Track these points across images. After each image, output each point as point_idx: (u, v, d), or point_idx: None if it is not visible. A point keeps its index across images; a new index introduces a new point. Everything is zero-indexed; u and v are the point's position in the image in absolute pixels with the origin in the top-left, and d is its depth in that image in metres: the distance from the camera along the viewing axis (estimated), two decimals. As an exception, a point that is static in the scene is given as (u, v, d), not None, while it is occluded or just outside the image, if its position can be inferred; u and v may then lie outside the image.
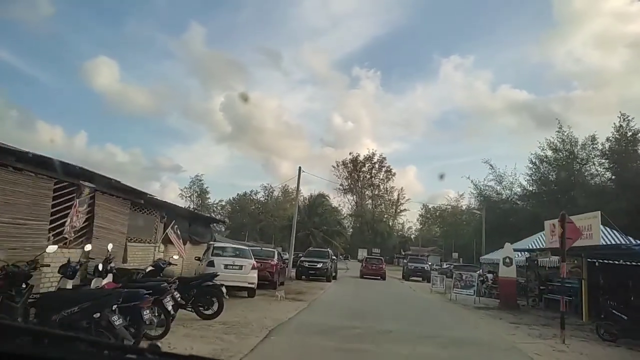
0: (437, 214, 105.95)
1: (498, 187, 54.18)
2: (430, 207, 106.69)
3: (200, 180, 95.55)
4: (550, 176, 49.00)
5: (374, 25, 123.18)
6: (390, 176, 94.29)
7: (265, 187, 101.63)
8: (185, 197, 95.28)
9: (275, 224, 75.68)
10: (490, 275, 23.05)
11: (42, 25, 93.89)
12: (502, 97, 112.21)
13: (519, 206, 51.83)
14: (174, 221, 16.10)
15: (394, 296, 20.34)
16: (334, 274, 27.11)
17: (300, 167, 26.49)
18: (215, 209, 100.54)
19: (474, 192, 55.35)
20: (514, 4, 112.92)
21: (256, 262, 17.64)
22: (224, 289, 10.00)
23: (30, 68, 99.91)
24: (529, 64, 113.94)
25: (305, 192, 58.58)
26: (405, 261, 36.54)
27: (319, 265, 25.06)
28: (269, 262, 18.13)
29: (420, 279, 34.12)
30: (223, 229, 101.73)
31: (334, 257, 27.46)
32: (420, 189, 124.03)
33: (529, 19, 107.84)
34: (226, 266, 13.82)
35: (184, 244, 17.81)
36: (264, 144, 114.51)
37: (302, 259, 26.40)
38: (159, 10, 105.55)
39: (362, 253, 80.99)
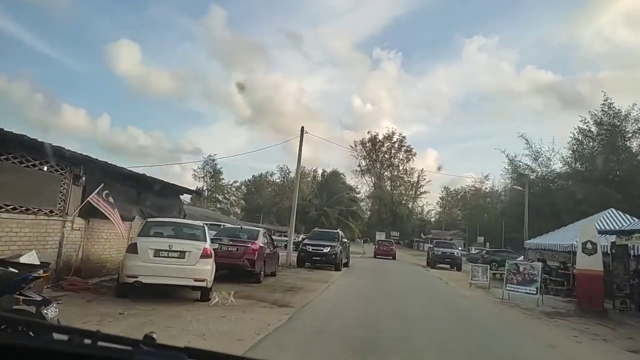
0: (459, 196, 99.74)
1: (534, 164, 47.57)
2: (451, 189, 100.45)
3: (214, 161, 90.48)
4: (594, 152, 42.54)
5: (395, 4, 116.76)
6: (410, 156, 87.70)
7: (281, 168, 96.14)
8: (198, 177, 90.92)
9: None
10: (552, 265, 17.06)
11: (65, 9, 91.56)
12: (527, 78, 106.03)
13: (558, 185, 45.25)
14: (102, 185, 10.62)
15: (425, 295, 14.54)
16: (345, 261, 21.48)
17: (302, 127, 20.83)
18: (229, 190, 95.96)
19: (508, 167, 48.63)
20: None
21: (230, 244, 12.19)
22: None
23: (54, 51, 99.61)
24: (555, 44, 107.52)
25: (320, 170, 53.16)
26: (430, 246, 30.62)
27: (326, 250, 19.46)
28: (248, 245, 12.59)
29: (448, 266, 28.30)
30: (239, 211, 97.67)
31: (345, 240, 21.74)
32: (440, 173, 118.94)
33: None
34: (157, 253, 8.28)
35: (129, 220, 12.37)
36: (283, 126, 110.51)
37: (306, 241, 20.83)
38: None
39: (380, 236, 75.40)
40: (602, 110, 41.58)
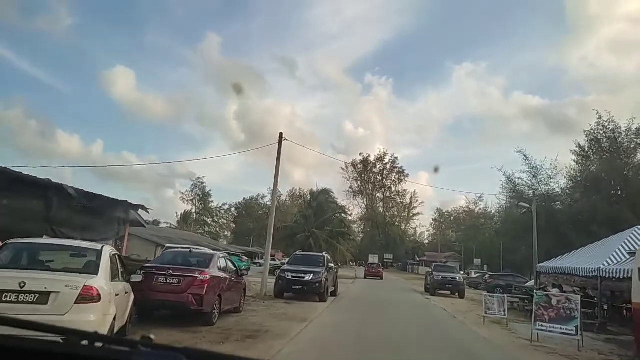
0: (452, 218, 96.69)
1: (533, 182, 44.60)
2: (444, 211, 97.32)
3: (202, 183, 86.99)
4: (597, 171, 39.90)
5: (385, 30, 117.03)
6: (402, 177, 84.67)
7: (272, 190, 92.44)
8: (187, 200, 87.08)
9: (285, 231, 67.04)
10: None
11: (61, 36, 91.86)
12: (516, 103, 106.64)
13: (562, 204, 42.21)
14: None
15: (433, 340, 11.02)
16: (332, 289, 17.97)
17: (281, 133, 17.63)
18: (218, 213, 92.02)
19: (506, 185, 45.57)
20: (527, 10, 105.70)
21: (170, 274, 8.77)
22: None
23: (49, 78, 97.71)
24: (542, 70, 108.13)
25: (307, 189, 50.05)
26: (429, 270, 27.12)
27: (309, 277, 15.94)
28: (195, 275, 9.13)
29: (449, 292, 24.79)
30: (228, 235, 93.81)
31: (332, 265, 18.21)
32: (432, 195, 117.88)
33: (542, 25, 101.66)
34: (3, 295, 4.86)
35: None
36: (277, 150, 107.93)
37: (285, 267, 17.31)
38: (175, 21, 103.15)
39: (374, 259, 71.70)
40: (600, 127, 39.11)
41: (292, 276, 16.07)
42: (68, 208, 10.03)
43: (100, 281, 5.57)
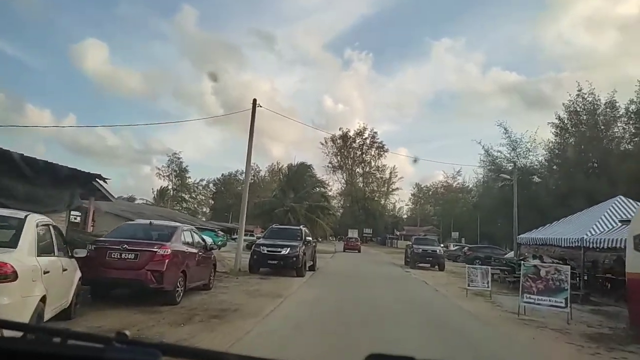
0: (430, 192, 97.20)
1: (512, 154, 44.47)
2: (423, 186, 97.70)
3: (179, 159, 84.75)
4: (575, 144, 39.91)
5: (364, 5, 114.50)
6: (382, 152, 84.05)
7: (251, 166, 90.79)
8: (163, 176, 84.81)
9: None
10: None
11: (29, 6, 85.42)
12: (493, 79, 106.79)
13: (540, 177, 42.30)
14: None
15: (416, 314, 10.34)
16: (310, 264, 17.20)
17: (255, 100, 16.43)
18: (196, 189, 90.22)
19: (485, 159, 45.35)
20: None
21: (125, 249, 7.77)
22: None
23: (18, 51, 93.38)
24: (520, 46, 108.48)
25: (287, 164, 48.92)
26: (409, 243, 26.66)
27: (285, 252, 15.09)
28: (154, 250, 8.12)
29: (428, 265, 24.42)
30: (207, 211, 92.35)
31: (310, 239, 17.37)
32: (412, 171, 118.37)
33: (519, 1, 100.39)
34: None
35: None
36: (256, 126, 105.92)
37: (260, 241, 16.42)
38: None
39: (353, 234, 71.62)
40: (580, 99, 38.89)
41: (267, 250, 15.19)
42: (9, 175, 8.80)
43: (20, 256, 4.51)
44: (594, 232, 15.33)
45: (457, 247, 39.92)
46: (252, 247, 15.83)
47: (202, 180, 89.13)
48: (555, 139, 40.81)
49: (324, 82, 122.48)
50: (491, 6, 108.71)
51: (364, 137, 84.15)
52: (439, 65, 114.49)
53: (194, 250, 9.65)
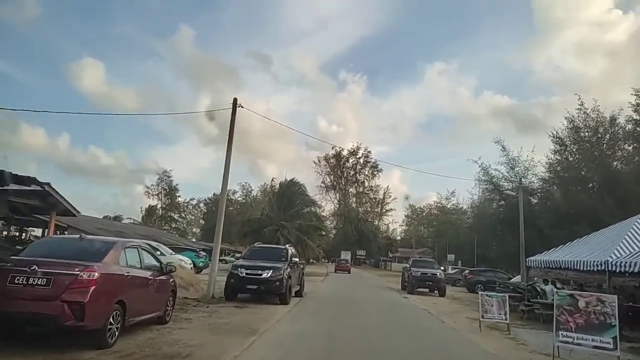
0: (424, 214, 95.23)
1: (510, 174, 42.72)
2: (417, 207, 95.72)
3: (169, 177, 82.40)
4: (575, 161, 38.26)
5: (359, 28, 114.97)
6: (375, 172, 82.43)
7: (243, 186, 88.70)
8: (152, 195, 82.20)
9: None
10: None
11: (27, 26, 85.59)
12: (485, 102, 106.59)
13: (539, 197, 40.48)
14: None
15: (429, 358, 8.10)
16: (296, 289, 14.95)
17: (235, 99, 14.43)
18: (186, 208, 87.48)
19: (483, 178, 43.52)
20: (496, 13, 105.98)
21: (35, 272, 5.51)
22: None
23: (12, 69, 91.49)
24: (511, 71, 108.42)
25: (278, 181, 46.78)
26: (406, 266, 24.38)
27: (266, 274, 12.82)
28: (76, 273, 5.90)
29: (427, 290, 22.14)
30: (197, 231, 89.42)
31: (297, 260, 15.05)
32: (405, 192, 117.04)
33: (510, 27, 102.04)
34: None
35: None
36: (251, 146, 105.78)
37: (238, 262, 14.15)
38: (148, 13, 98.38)
39: (346, 255, 69.15)
40: (582, 114, 37.42)
41: (246, 273, 12.92)
42: None
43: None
44: (619, 255, 13.26)
45: (456, 270, 37.58)
46: (229, 270, 13.56)
47: (192, 199, 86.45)
48: (554, 156, 39.17)
49: (319, 103, 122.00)
50: (483, 32, 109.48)
51: (357, 157, 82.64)
52: (432, 88, 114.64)
53: (142, 274, 7.42)
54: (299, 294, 15.66)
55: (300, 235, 34.49)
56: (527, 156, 40.54)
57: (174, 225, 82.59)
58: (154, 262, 8.25)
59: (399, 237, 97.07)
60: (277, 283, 12.83)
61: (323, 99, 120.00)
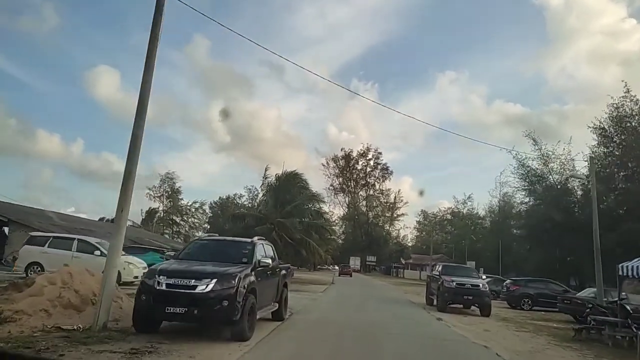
0: (437, 219, 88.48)
1: (544, 170, 36.16)
2: (430, 212, 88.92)
3: (172, 179, 76.87)
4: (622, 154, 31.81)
5: (370, 36, 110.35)
6: (387, 174, 76.06)
7: (249, 189, 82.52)
8: (154, 197, 76.60)
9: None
10: None
11: (44, 35, 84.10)
12: (497, 110, 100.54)
13: (581, 196, 33.81)
14: None
15: None
16: (270, 308, 8.81)
17: None
18: (188, 212, 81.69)
19: (519, 172, 37.06)
20: (508, 22, 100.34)
21: None
22: None
23: (29, 76, 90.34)
24: (523, 79, 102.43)
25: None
26: (434, 273, 17.85)
27: (204, 287, 6.72)
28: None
29: (461, 305, 15.87)
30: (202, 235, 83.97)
31: (268, 262, 8.72)
32: (416, 200, 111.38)
33: (522, 36, 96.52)
34: None
35: None
36: (262, 153, 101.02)
37: (162, 265, 7.97)
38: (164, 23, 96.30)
39: (355, 261, 62.80)
40: (628, 101, 30.98)
41: (167, 285, 6.82)
42: None
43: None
44: None
45: (488, 279, 30.85)
46: (141, 281, 7.47)
47: (195, 202, 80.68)
48: (598, 149, 32.55)
49: (330, 110, 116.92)
50: (495, 41, 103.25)
51: (367, 159, 76.38)
52: (443, 96, 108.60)
53: None
54: (278, 316, 9.52)
55: (304, 237, 28.41)
56: (564, 149, 33.97)
57: (175, 228, 76.95)
58: None
59: (410, 244, 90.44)
60: (225, 303, 6.69)
61: (334, 106, 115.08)
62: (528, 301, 19.67)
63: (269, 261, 8.26)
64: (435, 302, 16.51)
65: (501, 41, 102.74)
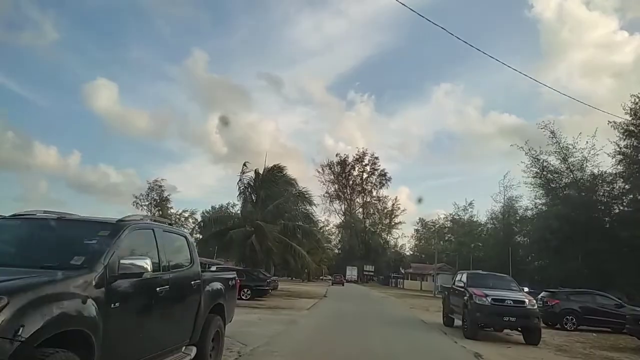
0: (436, 226, 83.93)
1: (562, 166, 31.69)
2: (427, 220, 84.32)
3: (160, 187, 72.12)
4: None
5: (366, 48, 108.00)
6: (384, 181, 71.52)
7: (245, 198, 77.44)
8: (141, 205, 71.65)
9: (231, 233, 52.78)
10: None
11: (43, 48, 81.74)
12: (493, 122, 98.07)
13: (609, 192, 29.29)
14: None
15: None
16: (178, 353, 4.11)
17: None
18: (177, 220, 76.63)
19: (533, 168, 32.64)
20: (502, 35, 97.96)
21: None
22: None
23: (25, 89, 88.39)
24: (518, 91, 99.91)
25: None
26: (456, 285, 13.18)
27: None
28: None
29: (490, 328, 11.23)
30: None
31: (198, 269, 4.04)
32: (413, 210, 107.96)
33: (517, 49, 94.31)
34: None
35: None
36: (259, 164, 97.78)
37: None
38: (160, 36, 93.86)
39: (352, 271, 57.91)
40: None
41: None
42: None
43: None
44: None
45: (517, 288, 26.09)
46: None
47: (185, 211, 75.83)
48: (625, 142, 28.18)
49: (327, 122, 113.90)
50: (489, 52, 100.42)
51: (363, 164, 71.88)
52: (439, 107, 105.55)
53: None
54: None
55: (290, 242, 23.70)
56: (587, 143, 29.53)
57: (163, 238, 71.91)
58: None
59: (409, 253, 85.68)
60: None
61: (330, 118, 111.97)
62: (572, 319, 15.02)
63: (147, 265, 3.57)
64: (458, 323, 11.84)
65: (496, 54, 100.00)
